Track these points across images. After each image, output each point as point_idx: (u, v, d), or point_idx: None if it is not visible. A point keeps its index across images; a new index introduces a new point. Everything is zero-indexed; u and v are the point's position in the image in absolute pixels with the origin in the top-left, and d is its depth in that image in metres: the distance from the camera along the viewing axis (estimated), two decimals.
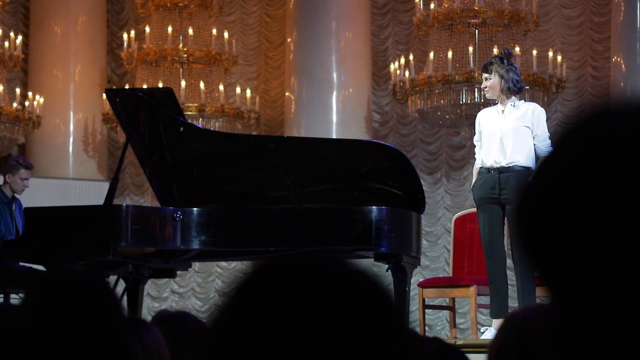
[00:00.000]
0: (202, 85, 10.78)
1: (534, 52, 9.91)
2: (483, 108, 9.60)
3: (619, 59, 9.77)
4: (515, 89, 6.20)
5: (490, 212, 6.10)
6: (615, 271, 0.80)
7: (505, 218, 6.12)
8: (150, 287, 11.30)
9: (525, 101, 6.35)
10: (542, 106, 10.06)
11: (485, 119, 6.24)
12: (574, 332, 0.83)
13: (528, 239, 0.85)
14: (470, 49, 9.72)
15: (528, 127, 6.06)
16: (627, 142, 0.81)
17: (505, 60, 6.21)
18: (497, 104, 6.31)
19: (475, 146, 6.35)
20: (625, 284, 0.80)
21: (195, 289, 11.77)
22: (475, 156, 6.34)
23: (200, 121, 10.58)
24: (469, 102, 9.67)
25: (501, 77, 6.15)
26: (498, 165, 6.05)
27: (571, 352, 0.83)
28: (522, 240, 0.85)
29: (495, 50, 9.59)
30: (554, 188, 0.84)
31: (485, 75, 6.18)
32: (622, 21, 9.75)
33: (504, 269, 6.20)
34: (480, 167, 6.17)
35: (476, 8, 9.74)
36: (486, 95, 6.31)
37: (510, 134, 6.05)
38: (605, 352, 0.82)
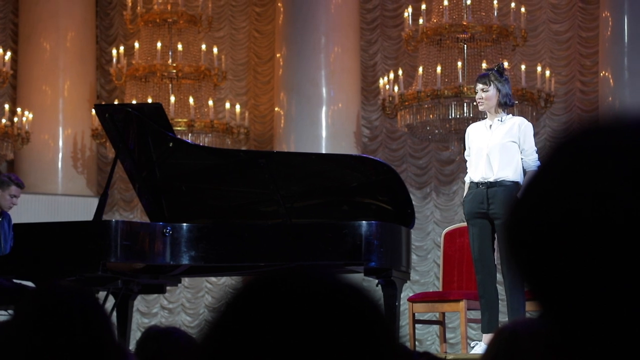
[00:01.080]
0: (191, 100, 10.78)
1: (523, 67, 9.94)
2: (472, 123, 9.66)
3: (607, 74, 9.81)
4: (509, 104, 6.22)
5: (479, 226, 6.10)
6: (604, 285, 0.80)
7: (495, 233, 6.12)
8: (139, 302, 11.27)
9: (513, 115, 6.36)
10: (531, 121, 10.09)
11: (473, 134, 6.24)
12: (563, 346, 0.83)
13: (518, 253, 0.85)
14: (459, 63, 9.75)
15: (515, 142, 6.06)
16: (616, 157, 0.82)
17: (502, 73, 6.23)
18: (485, 117, 6.31)
19: (466, 161, 6.37)
20: (614, 298, 0.80)
21: (185, 304, 11.73)
22: (468, 170, 6.36)
23: (189, 136, 10.57)
24: (458, 116, 9.70)
25: (498, 89, 6.15)
26: (486, 181, 6.06)
27: None
28: (513, 254, 0.85)
29: (484, 65, 9.62)
30: (544, 203, 0.84)
31: (481, 86, 6.15)
32: (610, 36, 9.80)
33: (494, 283, 6.20)
34: (470, 182, 6.18)
35: (465, 23, 9.78)
36: (480, 107, 6.26)
37: (497, 149, 6.05)
38: None
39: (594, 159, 0.82)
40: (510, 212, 0.86)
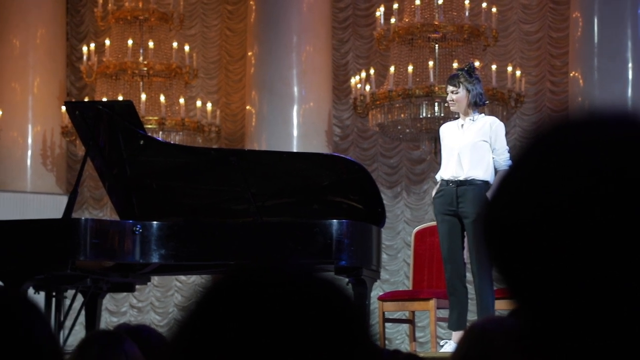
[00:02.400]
0: (162, 98, 10.74)
1: (494, 66, 9.99)
2: (443, 122, 9.69)
3: (576, 74, 9.87)
4: (480, 103, 6.24)
5: (449, 225, 6.12)
6: (578, 281, 0.81)
7: (465, 231, 6.13)
8: (108, 301, 11.21)
9: (485, 115, 6.38)
10: (502, 120, 10.13)
11: (445, 133, 6.27)
12: (536, 343, 0.84)
13: (494, 250, 0.85)
14: (431, 63, 9.78)
15: (486, 141, 6.09)
16: (587, 153, 0.82)
17: (471, 74, 6.25)
18: (457, 117, 6.34)
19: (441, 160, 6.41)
20: (588, 293, 0.81)
21: (154, 303, 11.69)
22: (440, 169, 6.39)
23: (160, 134, 10.53)
24: (429, 116, 9.72)
25: (468, 90, 6.16)
26: (456, 179, 6.08)
27: None
28: (488, 251, 0.85)
29: (456, 65, 9.65)
30: (517, 200, 0.85)
31: (451, 88, 6.18)
32: (580, 36, 9.86)
33: (463, 281, 6.23)
34: (440, 180, 6.20)
35: (436, 23, 9.81)
36: (451, 108, 6.29)
37: (468, 148, 6.07)
38: None
39: (566, 155, 0.83)
40: (485, 209, 0.86)
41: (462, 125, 6.20)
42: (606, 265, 0.80)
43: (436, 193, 6.25)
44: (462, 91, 6.14)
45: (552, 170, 0.83)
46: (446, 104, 6.40)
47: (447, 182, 6.12)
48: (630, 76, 9.57)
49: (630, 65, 9.57)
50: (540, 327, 0.83)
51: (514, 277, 0.85)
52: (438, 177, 6.27)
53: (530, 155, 0.86)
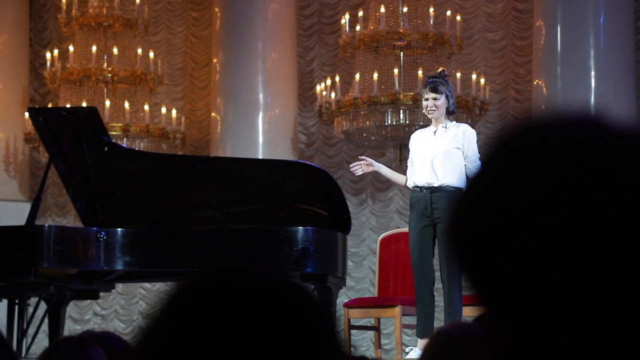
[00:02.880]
0: (126, 105, 10.69)
1: (458, 74, 10.04)
2: (409, 130, 9.73)
3: (540, 82, 9.95)
4: (454, 111, 6.31)
5: (421, 231, 6.13)
6: (544, 283, 0.81)
7: (436, 238, 6.15)
8: (71, 309, 11.12)
9: (456, 122, 6.41)
10: None
11: (417, 141, 6.27)
12: (501, 348, 0.84)
13: (460, 253, 0.85)
14: (396, 71, 9.81)
15: (459, 149, 6.12)
16: (550, 155, 0.83)
17: (447, 80, 6.29)
18: (425, 125, 6.37)
19: (406, 167, 6.40)
20: (555, 295, 0.81)
21: (119, 310, 11.62)
22: (408, 176, 6.38)
23: (125, 141, 10.48)
24: (394, 123, 9.75)
25: (447, 97, 6.19)
26: (430, 186, 6.10)
27: None
28: (455, 254, 0.86)
29: (420, 73, 9.70)
30: (483, 204, 0.85)
31: (433, 95, 6.15)
32: (543, 45, 9.94)
33: (431, 288, 6.24)
34: (413, 187, 6.20)
35: (401, 31, 9.85)
36: (430, 115, 6.23)
37: (441, 156, 6.09)
38: None
39: (529, 158, 0.83)
40: (453, 214, 0.87)
41: (435, 132, 6.22)
42: (572, 267, 0.81)
43: (410, 200, 6.25)
44: (443, 98, 6.16)
45: (516, 174, 0.84)
46: (424, 111, 6.35)
47: (421, 188, 6.13)
48: (592, 84, 9.66)
49: (592, 73, 9.66)
50: (506, 331, 0.84)
51: (481, 282, 0.85)
52: (410, 183, 6.27)
53: (494, 160, 0.87)
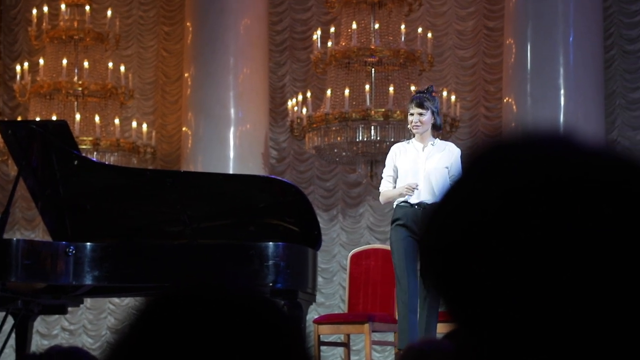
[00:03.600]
0: (97, 118, 10.64)
1: None
2: (379, 146, 9.76)
3: (510, 100, 10.01)
4: (441, 127, 6.28)
5: (407, 245, 6.07)
6: (515, 299, 0.81)
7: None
8: (39, 324, 11.02)
9: (439, 139, 6.38)
10: None
11: (403, 154, 6.19)
12: None
13: (432, 268, 0.86)
14: (367, 87, 9.84)
15: (447, 168, 6.10)
16: (521, 170, 0.83)
17: (434, 96, 6.24)
18: (410, 139, 6.29)
19: (382, 178, 6.30)
20: (523, 310, 0.81)
21: (87, 326, 11.53)
22: (381, 188, 6.28)
23: (95, 155, 10.42)
24: (365, 139, 9.77)
25: (433, 113, 6.15)
26: (424, 203, 6.03)
27: None
28: (427, 272, 0.86)
29: (392, 89, 9.73)
30: (453, 220, 0.85)
31: (419, 110, 6.12)
32: (513, 63, 10.01)
33: (415, 302, 6.10)
34: (401, 202, 6.10)
35: (373, 47, 9.88)
36: (415, 130, 6.18)
37: (437, 174, 6.03)
38: None
39: (500, 173, 0.84)
40: (424, 227, 0.87)
41: (424, 148, 6.17)
42: (543, 282, 0.81)
43: (395, 214, 6.14)
44: (429, 114, 6.13)
45: (486, 190, 0.84)
46: (412, 125, 6.17)
47: (413, 204, 6.05)
48: (562, 102, 9.73)
49: (562, 92, 9.74)
50: (476, 348, 0.84)
51: (451, 297, 0.85)
52: (397, 200, 6.13)
53: (465, 176, 0.87)
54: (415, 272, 6.09)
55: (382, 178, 6.34)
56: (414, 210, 6.02)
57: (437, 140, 6.23)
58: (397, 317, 6.23)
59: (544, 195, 0.82)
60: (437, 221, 0.86)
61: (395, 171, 6.21)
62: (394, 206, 6.21)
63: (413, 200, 6.04)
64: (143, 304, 0.97)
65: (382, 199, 6.35)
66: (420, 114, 6.13)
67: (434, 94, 6.27)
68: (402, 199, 6.12)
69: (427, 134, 6.17)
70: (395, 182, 6.21)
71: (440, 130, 6.35)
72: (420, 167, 6.09)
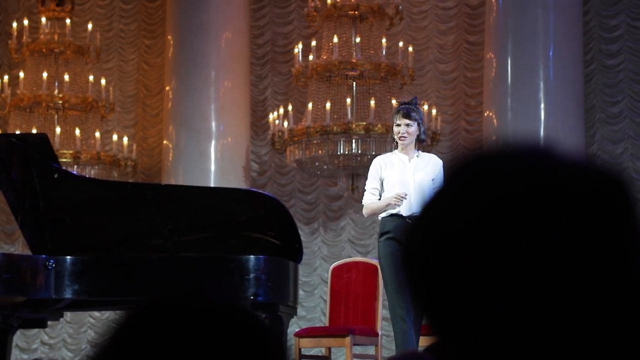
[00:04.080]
0: (77, 132, 10.61)
1: None
2: (360, 159, 9.77)
3: (490, 114, 10.05)
4: (425, 139, 6.25)
5: (398, 251, 6.00)
6: (495, 311, 0.82)
7: None
8: (18, 338, 10.95)
9: (422, 151, 6.31)
10: None
11: (389, 166, 6.12)
12: None
13: (413, 279, 0.86)
14: (348, 100, 9.86)
15: (433, 180, 6.05)
16: (501, 182, 0.84)
17: (420, 109, 6.22)
18: (392, 151, 6.22)
19: (365, 191, 6.21)
20: (505, 325, 0.82)
21: (67, 339, 11.46)
22: (364, 201, 6.20)
23: (75, 168, 10.39)
24: (346, 153, 9.78)
25: (419, 125, 6.12)
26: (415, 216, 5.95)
27: None
28: (408, 281, 0.86)
29: (373, 103, 9.75)
30: (436, 230, 0.86)
31: (406, 121, 6.08)
32: (494, 77, 10.05)
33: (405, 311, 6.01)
34: (391, 214, 6.02)
35: (354, 61, 9.90)
36: (402, 141, 6.12)
37: (426, 184, 5.98)
38: None
39: (481, 185, 0.84)
40: (405, 239, 0.87)
41: (410, 160, 6.12)
42: (523, 294, 0.81)
43: (384, 227, 6.03)
44: (415, 125, 6.09)
45: (467, 201, 0.84)
46: (398, 137, 6.10)
47: (404, 217, 5.98)
48: (542, 116, 9.78)
49: (542, 106, 9.78)
50: (458, 359, 0.84)
51: (434, 309, 0.85)
52: (384, 212, 6.03)
53: (446, 188, 0.88)
54: (404, 292, 6.02)
55: (364, 191, 6.26)
56: (405, 222, 5.93)
57: (421, 152, 6.21)
58: (394, 333, 6.08)
59: (525, 205, 0.82)
60: (418, 232, 0.86)
61: (380, 184, 6.16)
62: (380, 218, 6.14)
63: (404, 212, 5.98)
64: (122, 317, 0.97)
65: (366, 211, 6.25)
66: (408, 125, 6.10)
67: (418, 105, 6.26)
68: (390, 211, 6.04)
69: (411, 146, 6.14)
70: (380, 195, 6.15)
71: (424, 143, 6.32)
72: (410, 178, 6.04)
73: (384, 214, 6.08)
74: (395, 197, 5.98)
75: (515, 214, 0.82)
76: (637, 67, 10.45)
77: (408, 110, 6.13)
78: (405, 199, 5.97)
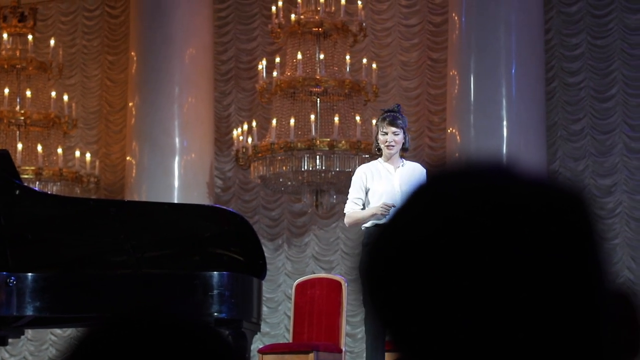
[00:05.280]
0: (39, 148, 10.54)
1: (374, 121, 10.13)
2: (324, 175, 9.78)
3: (454, 131, 10.11)
4: (409, 148, 6.12)
5: None
6: (453, 326, 0.82)
7: None
8: None
9: (404, 160, 6.17)
10: None
11: (374, 176, 5.99)
12: None
13: (375, 293, 0.86)
14: (312, 116, 9.87)
15: None
16: (461, 198, 0.85)
17: (404, 116, 6.10)
18: (376, 160, 6.09)
19: (347, 200, 6.06)
20: (464, 338, 0.82)
21: (28, 357, 11.34)
22: (347, 210, 6.04)
23: (37, 185, 10.31)
24: (310, 169, 9.79)
25: (404, 133, 6.02)
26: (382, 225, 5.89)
27: None
28: (370, 295, 0.87)
29: (337, 119, 9.78)
30: (395, 244, 0.86)
31: (393, 129, 5.96)
32: (457, 94, 10.12)
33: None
34: (376, 225, 5.86)
35: (318, 77, 9.93)
36: (390, 150, 5.99)
37: None
38: None
39: (440, 202, 0.85)
40: (366, 251, 0.88)
41: (396, 169, 6.00)
42: (479, 307, 0.82)
43: (369, 237, 5.91)
44: (401, 133, 5.98)
45: (425, 218, 0.85)
46: (385, 145, 5.99)
47: None
48: (505, 133, 9.85)
49: (505, 123, 9.86)
50: None
51: (394, 324, 0.86)
52: (369, 223, 5.90)
53: (407, 204, 0.88)
54: None
55: (347, 200, 6.10)
56: None
57: (405, 161, 6.09)
58: (366, 350, 5.99)
59: (486, 221, 0.83)
60: (379, 244, 0.87)
61: (365, 193, 6.03)
62: (364, 228, 6.00)
63: None
64: (83, 333, 0.97)
65: (349, 220, 6.09)
66: (395, 133, 5.97)
67: (401, 113, 6.11)
68: (375, 222, 5.91)
69: (396, 155, 6.01)
70: (363, 205, 6.03)
71: (407, 151, 6.15)
72: (397, 189, 5.91)
73: (368, 224, 5.96)
74: (381, 207, 5.86)
75: (476, 230, 0.82)
76: (598, 85, 10.57)
77: (394, 118, 6.00)
78: (393, 208, 5.86)
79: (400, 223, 0.87)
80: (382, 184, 5.98)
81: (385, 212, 5.84)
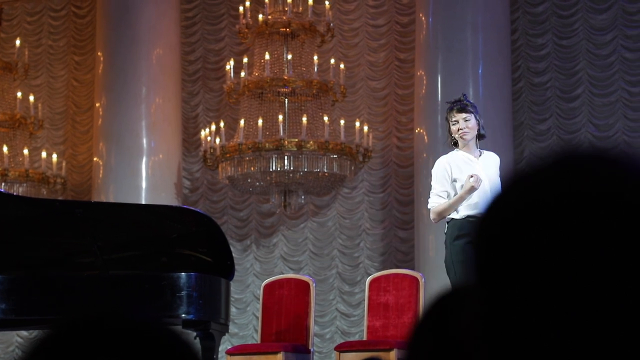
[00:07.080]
0: (5, 149, 10.46)
1: (342, 121, 10.16)
2: (292, 175, 9.78)
3: (421, 131, 10.14)
4: (485, 134, 5.83)
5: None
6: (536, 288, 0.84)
7: None
8: None
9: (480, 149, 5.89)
10: (349, 175, 10.31)
11: (459, 167, 5.69)
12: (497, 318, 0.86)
13: (484, 245, 0.88)
14: (280, 117, 9.87)
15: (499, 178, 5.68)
16: (595, 180, 0.86)
17: (474, 103, 5.84)
18: (452, 151, 5.81)
19: (431, 194, 5.74)
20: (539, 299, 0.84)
21: None
22: (431, 205, 5.72)
23: (3, 186, 10.23)
24: (278, 169, 9.79)
25: (477, 119, 5.73)
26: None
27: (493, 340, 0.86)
28: (477, 251, 0.88)
29: (305, 119, 9.78)
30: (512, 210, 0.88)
31: (463, 115, 5.69)
32: (424, 94, 10.15)
33: None
34: (467, 216, 5.57)
35: (286, 77, 9.93)
36: (465, 137, 5.70)
37: (497, 183, 5.56)
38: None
39: (571, 181, 0.87)
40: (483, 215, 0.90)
41: (479, 157, 5.72)
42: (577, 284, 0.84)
43: (462, 229, 5.53)
44: (473, 118, 5.69)
45: (547, 193, 0.86)
46: (459, 134, 5.70)
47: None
48: None
49: None
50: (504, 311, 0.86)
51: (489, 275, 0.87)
52: (464, 212, 5.59)
53: (531, 173, 0.89)
54: None
55: (430, 194, 5.77)
56: None
57: (482, 151, 5.81)
58: None
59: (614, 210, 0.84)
60: (498, 204, 0.89)
61: (452, 185, 5.69)
62: (450, 219, 5.66)
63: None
64: (44, 334, 0.96)
65: (436, 216, 5.71)
66: (466, 119, 5.69)
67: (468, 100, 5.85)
68: (465, 212, 5.60)
69: (472, 142, 5.73)
70: (449, 197, 5.68)
71: (484, 138, 5.82)
72: (484, 177, 5.60)
73: (457, 215, 5.65)
74: (472, 177, 5.54)
75: (604, 219, 0.83)
76: (564, 85, 10.64)
77: (462, 105, 5.74)
78: (481, 180, 5.55)
79: (518, 191, 0.88)
80: (468, 173, 5.65)
81: (477, 183, 5.55)
